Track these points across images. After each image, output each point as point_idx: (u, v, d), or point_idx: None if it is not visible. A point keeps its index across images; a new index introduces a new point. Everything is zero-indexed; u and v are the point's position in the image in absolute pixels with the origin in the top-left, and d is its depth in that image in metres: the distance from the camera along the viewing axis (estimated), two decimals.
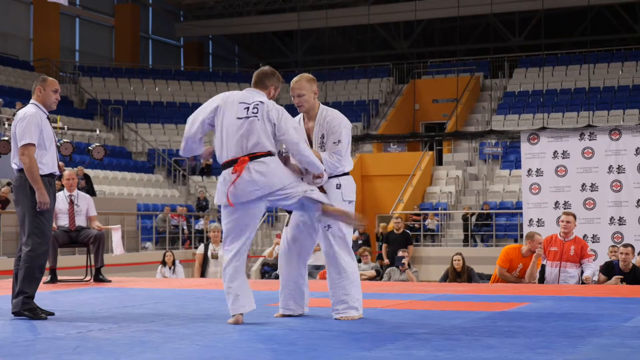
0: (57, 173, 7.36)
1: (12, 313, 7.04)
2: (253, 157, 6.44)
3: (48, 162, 7.20)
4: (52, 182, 7.24)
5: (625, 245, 12.17)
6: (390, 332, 6.03)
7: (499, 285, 11.24)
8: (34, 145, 7.08)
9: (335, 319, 6.77)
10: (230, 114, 6.55)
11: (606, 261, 13.10)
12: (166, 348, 5.44)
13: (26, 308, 6.99)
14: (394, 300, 8.49)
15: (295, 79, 6.99)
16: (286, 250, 7.05)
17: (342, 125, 6.89)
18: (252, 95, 6.64)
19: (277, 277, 11.98)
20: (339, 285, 6.82)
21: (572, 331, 6.09)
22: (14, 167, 7.23)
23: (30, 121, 7.13)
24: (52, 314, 7.16)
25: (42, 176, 7.08)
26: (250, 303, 6.58)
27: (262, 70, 6.80)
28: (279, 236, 15.06)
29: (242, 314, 6.55)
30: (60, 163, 9.98)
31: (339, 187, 6.86)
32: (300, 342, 5.60)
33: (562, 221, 11.93)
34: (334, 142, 6.84)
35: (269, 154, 6.49)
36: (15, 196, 7.25)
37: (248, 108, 6.53)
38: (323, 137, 6.88)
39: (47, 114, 7.36)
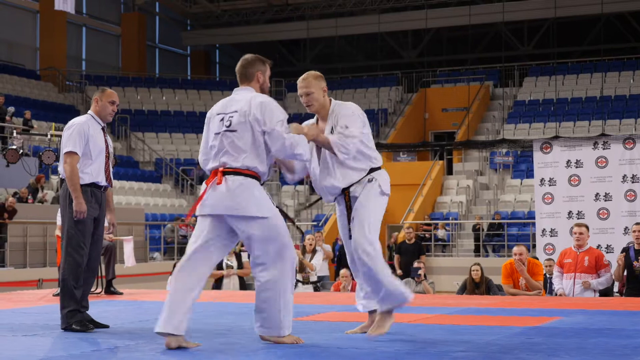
0: (103, 184, 7.24)
1: (62, 328, 6.92)
2: (225, 171, 5.93)
3: (92, 171, 7.14)
4: (95, 192, 7.17)
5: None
6: (424, 351, 5.71)
7: (523, 298, 10.95)
8: (76, 153, 7.05)
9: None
10: (210, 130, 6.12)
11: (623, 247, 13.05)
12: None
13: (73, 322, 6.89)
14: (420, 315, 8.17)
15: (301, 77, 6.49)
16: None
17: (349, 114, 6.41)
18: (231, 102, 6.09)
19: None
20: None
21: (615, 349, 5.77)
22: (60, 175, 7.26)
23: (75, 130, 7.12)
24: (107, 326, 7.08)
25: (83, 185, 7.01)
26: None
27: (242, 61, 6.21)
28: (297, 247, 14.78)
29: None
30: None
31: (371, 180, 6.41)
32: None
33: (575, 233, 11.81)
34: (341, 127, 6.34)
35: (239, 172, 5.90)
36: (60, 205, 7.24)
37: (223, 120, 6.02)
38: (332, 129, 6.41)
39: (102, 124, 7.33)
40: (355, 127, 6.35)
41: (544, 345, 5.93)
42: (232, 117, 5.97)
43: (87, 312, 7.12)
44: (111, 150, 7.43)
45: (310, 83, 6.45)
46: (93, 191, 7.14)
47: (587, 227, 11.98)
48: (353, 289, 14.20)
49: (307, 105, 6.49)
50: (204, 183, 6.02)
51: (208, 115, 6.20)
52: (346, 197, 6.48)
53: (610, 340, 6.25)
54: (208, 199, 5.92)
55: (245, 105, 5.95)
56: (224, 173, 5.90)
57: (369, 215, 6.36)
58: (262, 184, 6.01)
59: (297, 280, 14.51)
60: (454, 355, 5.46)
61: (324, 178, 6.48)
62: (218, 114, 6.08)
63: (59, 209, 7.31)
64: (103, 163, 7.24)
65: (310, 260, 14.95)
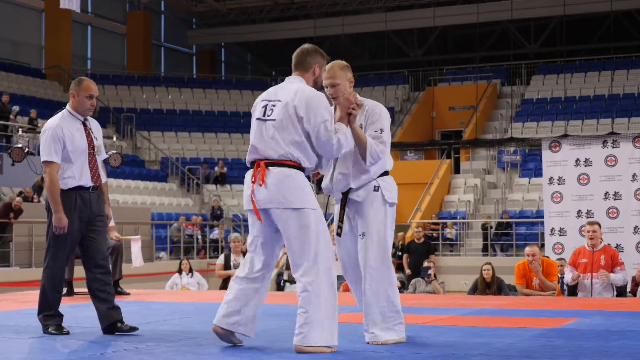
0: (88, 185, 6.79)
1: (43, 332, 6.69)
2: (269, 163, 5.69)
3: (75, 174, 6.70)
4: (82, 194, 6.74)
5: None
6: (443, 354, 5.54)
7: (538, 298, 10.78)
8: (53, 162, 6.63)
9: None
10: (254, 114, 5.86)
11: None
12: None
13: (49, 325, 6.63)
14: (434, 316, 8.00)
15: (327, 67, 6.10)
16: (347, 274, 6.46)
17: (382, 115, 6.14)
18: (279, 90, 5.84)
19: None
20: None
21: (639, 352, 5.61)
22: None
23: (49, 135, 6.68)
24: (136, 328, 6.74)
25: (67, 190, 6.64)
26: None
27: (302, 49, 5.95)
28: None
29: None
30: None
31: (376, 189, 6.09)
32: None
33: (588, 231, 11.69)
34: (375, 131, 6.07)
35: (282, 163, 5.68)
36: (46, 209, 6.85)
37: (266, 107, 5.78)
38: (361, 127, 6.07)
39: (82, 119, 6.85)
40: (387, 133, 6.13)
41: (565, 349, 5.76)
42: (274, 105, 5.75)
43: (118, 310, 6.77)
44: (97, 143, 6.90)
45: (336, 74, 6.12)
46: (79, 194, 6.73)
47: (599, 225, 11.85)
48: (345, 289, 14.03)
49: (332, 97, 6.16)
50: (247, 176, 5.79)
51: (254, 103, 5.96)
52: (343, 197, 6.20)
53: (633, 342, 6.09)
54: (254, 192, 5.69)
55: (291, 96, 5.72)
56: (267, 165, 5.67)
57: (381, 234, 6.09)
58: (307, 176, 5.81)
59: (285, 280, 14.29)
60: (475, 359, 5.29)
61: (338, 175, 6.17)
62: (262, 101, 5.86)
63: None
64: (86, 162, 6.77)
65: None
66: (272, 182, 5.61)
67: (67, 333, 6.60)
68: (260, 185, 5.63)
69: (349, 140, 5.78)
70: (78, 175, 6.72)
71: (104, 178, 7.02)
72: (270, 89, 5.93)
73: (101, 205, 6.93)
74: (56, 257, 6.70)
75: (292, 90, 5.75)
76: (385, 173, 6.22)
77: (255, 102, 5.93)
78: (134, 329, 6.68)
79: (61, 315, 6.74)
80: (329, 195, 6.43)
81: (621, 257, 15.32)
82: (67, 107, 6.85)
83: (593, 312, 8.34)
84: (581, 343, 6.04)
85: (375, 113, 6.15)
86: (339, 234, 6.25)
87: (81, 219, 6.73)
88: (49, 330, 6.60)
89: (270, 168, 5.64)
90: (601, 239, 11.75)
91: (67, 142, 6.67)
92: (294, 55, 5.95)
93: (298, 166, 5.68)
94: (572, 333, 6.70)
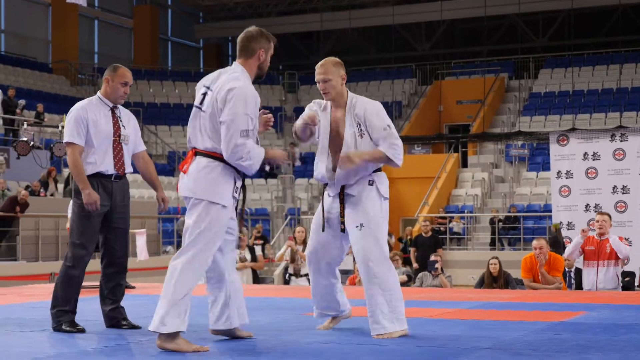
0: (110, 172, 6.62)
1: (52, 327, 6.45)
2: (197, 152, 5.62)
3: (95, 160, 6.53)
4: (103, 182, 6.57)
5: None
6: (449, 347, 5.48)
7: (544, 292, 10.72)
8: (74, 143, 6.47)
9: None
10: (195, 99, 5.78)
11: None
12: None
13: (63, 321, 6.40)
14: (439, 309, 7.94)
15: (319, 62, 6.14)
16: (312, 257, 6.38)
17: (380, 112, 6.11)
18: (217, 76, 5.69)
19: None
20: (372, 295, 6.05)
21: None
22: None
23: (73, 117, 6.53)
24: (139, 327, 6.62)
25: (88, 177, 6.46)
26: None
27: (247, 33, 5.73)
28: (291, 238, 14.49)
29: None
30: None
31: (371, 183, 6.13)
32: (351, 359, 5.05)
33: (597, 221, 11.73)
34: (384, 128, 6.06)
35: (202, 153, 5.58)
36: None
37: (204, 95, 5.65)
38: (360, 126, 6.07)
39: (111, 105, 6.68)
40: (394, 128, 6.14)
41: (573, 342, 5.69)
42: (205, 93, 5.66)
43: (122, 310, 6.74)
44: (125, 132, 6.72)
45: (329, 69, 6.11)
46: (100, 182, 6.55)
47: (609, 216, 11.95)
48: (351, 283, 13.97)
49: (324, 92, 6.15)
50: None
51: (197, 85, 5.85)
52: (341, 193, 6.20)
53: None
54: (180, 179, 5.70)
55: (219, 86, 5.58)
56: (195, 154, 5.62)
57: (379, 225, 6.14)
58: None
59: (290, 274, 14.25)
60: (481, 353, 5.22)
61: (339, 172, 6.14)
62: (203, 86, 5.74)
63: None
64: (110, 148, 6.61)
65: (303, 251, 14.67)
66: (191, 172, 5.59)
67: (83, 330, 6.39)
68: (184, 173, 5.62)
69: (253, 155, 5.52)
70: (99, 162, 6.56)
71: (148, 167, 6.95)
72: (212, 73, 5.80)
73: (125, 196, 6.77)
74: (77, 249, 6.50)
75: (223, 79, 5.62)
76: (379, 169, 6.22)
77: (198, 85, 5.82)
78: (137, 327, 6.60)
79: (75, 312, 6.52)
80: (325, 185, 6.39)
81: (630, 250, 15.36)
82: (98, 93, 6.73)
83: (601, 305, 8.28)
84: (589, 337, 5.98)
85: (373, 113, 6.11)
86: (342, 230, 6.20)
87: (103, 206, 6.56)
88: (62, 327, 6.36)
89: (196, 157, 5.60)
90: (609, 230, 11.75)
91: (91, 126, 6.53)
92: (238, 40, 5.80)
93: (220, 158, 5.56)
94: (579, 327, 6.63)
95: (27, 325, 6.73)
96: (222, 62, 45.39)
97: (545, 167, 28.04)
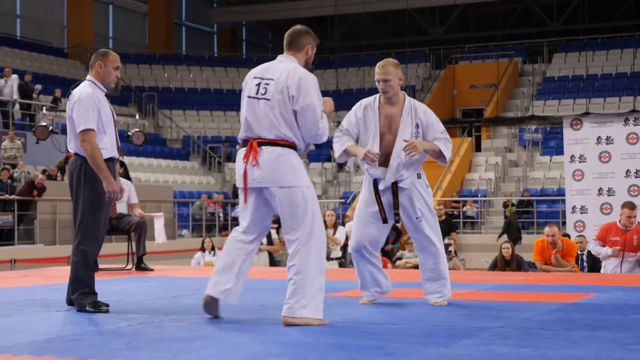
0: (117, 156, 6.80)
1: (77, 310, 6.57)
2: (261, 142, 5.80)
3: (107, 145, 6.64)
4: (112, 166, 6.69)
5: None
6: (461, 326, 5.63)
7: (556, 274, 10.84)
8: (93, 130, 6.51)
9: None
10: (245, 91, 5.94)
11: None
12: (226, 343, 5.06)
13: (86, 303, 6.53)
14: (453, 291, 8.07)
15: (380, 63, 6.77)
16: (358, 247, 6.95)
17: (436, 118, 6.90)
18: (271, 68, 5.90)
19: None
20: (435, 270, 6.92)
21: None
22: (70, 150, 6.71)
23: (87, 103, 6.53)
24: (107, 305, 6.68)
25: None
26: None
27: (295, 30, 6.01)
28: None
29: None
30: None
31: (419, 176, 6.84)
32: (366, 338, 5.20)
33: (629, 216, 11.33)
34: (442, 132, 6.84)
35: (274, 143, 5.78)
36: (69, 182, 6.75)
37: (259, 85, 5.85)
38: (418, 127, 6.77)
39: (105, 91, 6.78)
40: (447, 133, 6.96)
41: (583, 322, 5.84)
42: (267, 84, 5.82)
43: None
44: (115, 118, 6.88)
45: (389, 70, 6.72)
46: (110, 166, 6.64)
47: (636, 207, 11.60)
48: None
49: (383, 91, 6.75)
50: (239, 154, 5.89)
51: (245, 78, 6.04)
52: (394, 186, 6.77)
53: None
54: (247, 172, 5.81)
55: (284, 75, 5.79)
56: (259, 145, 5.77)
57: (434, 214, 6.96)
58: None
59: None
60: (493, 332, 5.37)
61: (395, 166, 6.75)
62: (255, 78, 5.92)
63: (69, 185, 6.79)
64: (114, 134, 6.75)
65: (333, 235, 14.86)
66: (265, 161, 5.75)
67: (107, 310, 6.51)
68: (254, 165, 5.76)
69: (327, 130, 5.92)
70: (110, 147, 6.69)
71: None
72: (261, 66, 5.99)
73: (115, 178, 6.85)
74: (91, 232, 6.59)
75: (285, 69, 5.83)
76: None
77: (246, 78, 6.00)
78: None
79: (96, 293, 6.66)
80: (349, 173, 6.80)
81: None
82: (91, 77, 6.76)
83: (612, 287, 8.39)
84: (599, 316, 6.12)
85: (433, 119, 6.86)
86: (397, 221, 6.89)
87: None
88: (87, 308, 6.49)
89: (263, 147, 5.76)
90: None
91: (102, 112, 6.63)
92: (286, 35, 6.04)
93: (291, 145, 5.80)
94: (590, 307, 6.78)
95: (52, 306, 6.89)
96: (236, 46, 45.51)
97: (559, 151, 28.08)
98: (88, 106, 6.54)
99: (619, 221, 11.46)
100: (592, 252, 11.89)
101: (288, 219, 5.76)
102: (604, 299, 7.33)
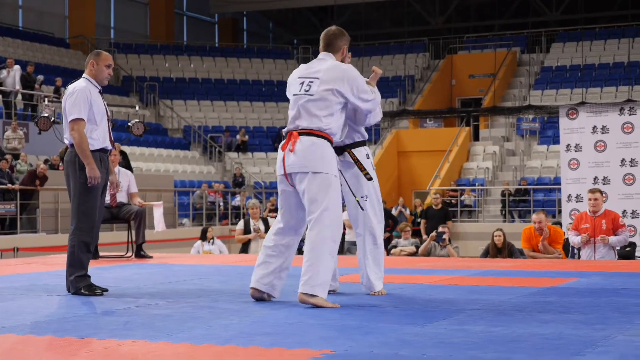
0: (109, 148, 7.23)
1: (72, 293, 6.95)
2: (301, 132, 6.19)
3: (99, 137, 7.08)
4: (103, 157, 7.14)
5: None
6: (440, 308, 5.95)
7: (543, 261, 11.14)
8: (83, 120, 6.97)
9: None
10: (290, 91, 6.38)
11: None
12: (217, 324, 5.38)
13: (82, 286, 6.91)
14: (440, 276, 8.40)
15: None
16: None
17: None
18: (314, 67, 6.35)
19: None
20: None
21: (627, 307, 5.97)
22: (66, 142, 7.13)
23: (79, 96, 7.01)
24: (106, 290, 7.06)
25: (92, 151, 6.98)
26: None
27: (331, 31, 6.48)
28: None
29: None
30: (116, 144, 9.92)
31: (368, 157, 6.74)
32: (349, 319, 5.52)
33: (590, 199, 11.78)
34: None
35: (311, 133, 6.17)
36: (65, 171, 7.16)
37: (303, 84, 6.28)
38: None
39: (99, 88, 7.23)
40: None
41: (557, 304, 6.14)
42: (312, 81, 6.24)
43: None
44: (109, 113, 7.34)
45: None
46: (101, 157, 7.10)
47: (600, 192, 12.03)
48: None
49: None
50: (280, 147, 6.28)
51: (289, 80, 6.46)
52: (353, 155, 6.68)
53: (623, 299, 6.43)
54: (285, 159, 6.18)
55: (328, 72, 6.23)
56: (299, 134, 6.16)
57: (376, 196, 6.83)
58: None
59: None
60: (469, 313, 5.68)
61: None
62: (299, 77, 6.33)
63: (65, 176, 7.20)
64: (106, 127, 7.18)
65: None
66: (299, 149, 6.13)
67: (101, 294, 6.89)
68: (291, 151, 6.15)
69: (379, 98, 6.48)
70: (102, 139, 7.11)
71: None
72: (303, 66, 6.44)
73: (109, 175, 7.36)
74: (86, 217, 6.98)
75: (327, 66, 6.29)
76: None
77: (290, 80, 6.44)
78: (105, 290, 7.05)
79: (90, 276, 7.04)
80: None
81: (635, 223, 15.63)
82: (86, 75, 7.21)
83: (594, 272, 8.69)
84: (573, 299, 6.42)
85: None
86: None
87: (103, 179, 7.11)
88: (82, 291, 6.87)
89: (301, 137, 6.16)
90: (602, 206, 11.89)
91: (94, 105, 7.06)
92: (322, 37, 6.47)
93: (326, 137, 6.19)
94: (567, 291, 7.08)
95: (54, 291, 7.20)
96: (237, 36, 45.71)
97: (556, 140, 28.32)
98: (80, 98, 7.00)
99: (588, 209, 11.79)
100: (570, 243, 12.16)
101: (310, 200, 6.11)
102: (582, 284, 7.62)
